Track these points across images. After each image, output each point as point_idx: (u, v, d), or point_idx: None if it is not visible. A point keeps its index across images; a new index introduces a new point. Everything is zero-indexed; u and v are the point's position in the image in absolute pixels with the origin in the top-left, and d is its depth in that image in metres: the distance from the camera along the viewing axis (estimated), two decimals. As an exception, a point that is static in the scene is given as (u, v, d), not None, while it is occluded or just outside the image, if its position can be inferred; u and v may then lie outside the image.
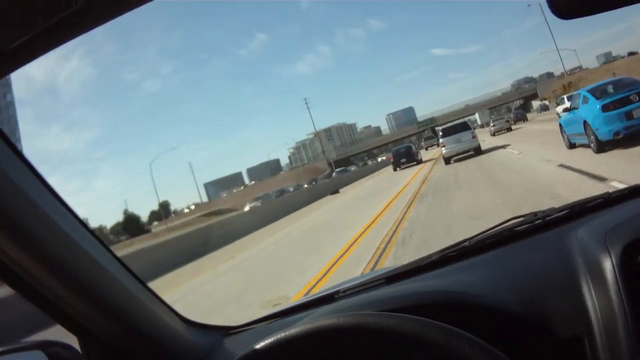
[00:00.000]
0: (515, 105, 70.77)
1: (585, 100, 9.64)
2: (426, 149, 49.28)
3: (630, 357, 0.78)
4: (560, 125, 11.56)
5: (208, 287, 9.49)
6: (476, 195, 9.30)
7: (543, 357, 0.88)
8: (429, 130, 70.52)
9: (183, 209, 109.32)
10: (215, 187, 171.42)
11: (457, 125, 20.66)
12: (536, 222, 1.19)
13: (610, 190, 1.23)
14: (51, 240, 0.84)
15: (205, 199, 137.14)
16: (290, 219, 20.47)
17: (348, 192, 26.81)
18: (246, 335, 1.24)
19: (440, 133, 21.34)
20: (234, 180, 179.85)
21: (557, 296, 0.92)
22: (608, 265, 0.86)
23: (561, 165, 8.84)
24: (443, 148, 20.20)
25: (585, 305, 0.88)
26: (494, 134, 29.10)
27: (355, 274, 5.38)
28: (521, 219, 1.24)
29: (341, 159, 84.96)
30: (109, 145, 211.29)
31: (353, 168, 65.04)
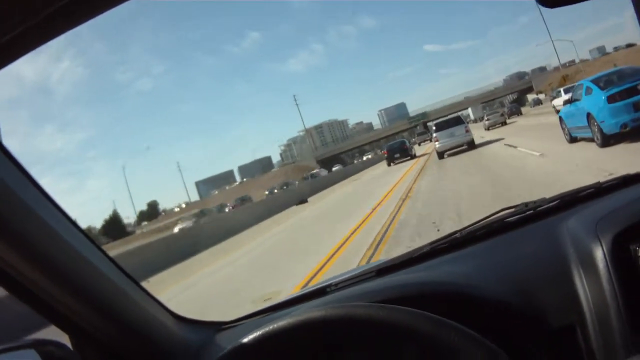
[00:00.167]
0: (510, 100, 70.42)
1: (589, 90, 9.04)
2: (419, 144, 49.15)
3: (623, 345, 0.78)
4: (560, 118, 11.00)
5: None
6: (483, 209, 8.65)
7: (536, 347, 0.88)
8: (421, 126, 70.30)
9: (173, 208, 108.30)
10: (206, 185, 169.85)
11: (450, 120, 20.64)
12: (527, 212, 1.18)
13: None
14: (43, 240, 0.83)
15: (196, 197, 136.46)
16: (216, 252, 14.09)
17: (320, 201, 22.06)
18: (237, 330, 1.23)
19: (434, 127, 21.32)
20: (226, 178, 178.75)
21: (548, 286, 0.92)
22: (599, 254, 0.86)
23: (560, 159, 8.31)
24: (436, 142, 20.15)
25: (577, 294, 0.88)
26: (488, 128, 28.72)
27: None
28: (512, 209, 1.24)
29: (330, 157, 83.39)
30: (101, 146, 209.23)
31: (337, 167, 61.42)
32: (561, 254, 0.95)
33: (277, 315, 1.22)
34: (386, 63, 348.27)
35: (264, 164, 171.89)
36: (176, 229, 33.52)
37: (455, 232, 1.23)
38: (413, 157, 29.55)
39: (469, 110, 60.82)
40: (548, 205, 1.18)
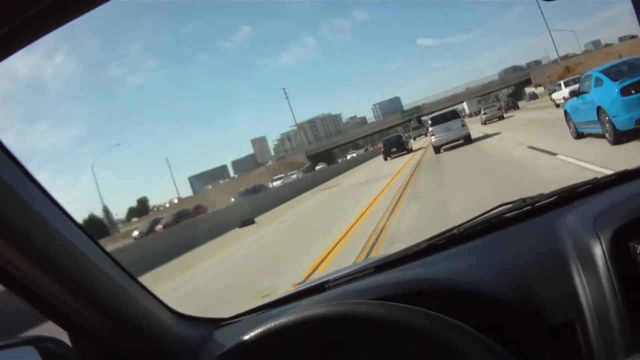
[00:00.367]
0: (506, 93, 69.58)
1: (599, 82, 8.31)
2: (414, 139, 48.62)
3: (623, 342, 0.78)
4: (565, 112, 10.29)
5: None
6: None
7: (534, 344, 0.88)
8: (415, 120, 69.62)
9: (164, 204, 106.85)
10: (199, 180, 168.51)
11: (446, 114, 20.47)
12: (525, 208, 1.18)
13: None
14: (40, 236, 0.83)
15: (189, 192, 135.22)
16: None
17: (274, 220, 16.34)
18: (236, 327, 1.21)
19: (429, 122, 21.16)
20: (219, 173, 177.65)
21: (547, 282, 0.92)
22: (598, 251, 0.85)
23: (572, 159, 7.58)
24: (432, 137, 19.94)
25: (576, 290, 0.88)
26: (485, 123, 28.07)
27: None
28: (510, 205, 1.23)
29: (322, 152, 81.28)
30: (94, 142, 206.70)
31: (320, 166, 54.61)
32: (560, 250, 0.94)
33: (275, 312, 1.21)
34: (380, 57, 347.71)
35: (258, 159, 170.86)
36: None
37: (453, 229, 1.21)
38: (410, 151, 29.45)
39: (464, 104, 59.91)
40: (546, 200, 1.17)
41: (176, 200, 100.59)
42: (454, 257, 1.11)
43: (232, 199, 38.10)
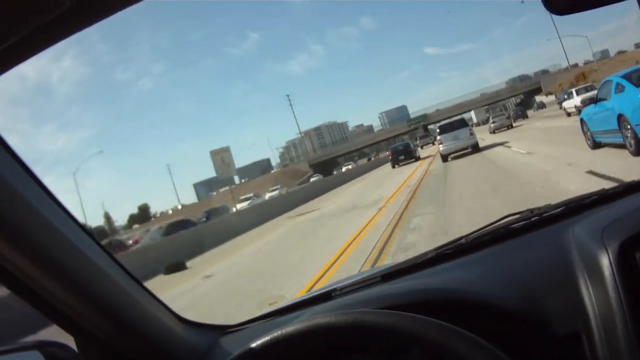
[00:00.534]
0: (514, 102, 68.85)
1: (620, 88, 7.76)
2: (421, 148, 48.24)
3: (629, 354, 0.78)
4: (581, 120, 9.75)
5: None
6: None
7: (540, 354, 0.88)
8: (422, 129, 69.22)
9: (167, 211, 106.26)
10: (204, 187, 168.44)
11: (454, 122, 20.44)
12: (532, 218, 1.18)
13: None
14: (45, 238, 0.82)
15: (194, 199, 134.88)
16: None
17: (220, 262, 12.01)
18: (243, 334, 1.21)
19: (438, 130, 21.07)
20: (225, 179, 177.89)
21: (554, 293, 0.92)
22: (605, 262, 0.85)
23: (590, 172, 7.05)
24: (440, 145, 19.88)
25: (583, 301, 0.88)
26: (493, 131, 27.70)
27: None
28: (517, 215, 1.23)
29: (326, 160, 79.40)
30: (101, 145, 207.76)
31: (315, 178, 51.32)
32: (567, 260, 0.94)
33: (282, 319, 1.21)
34: (387, 65, 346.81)
35: (264, 166, 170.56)
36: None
37: (461, 238, 1.21)
38: (417, 159, 29.42)
39: (472, 113, 59.44)
40: (553, 211, 1.17)
41: (179, 207, 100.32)
42: (462, 266, 1.10)
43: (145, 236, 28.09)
